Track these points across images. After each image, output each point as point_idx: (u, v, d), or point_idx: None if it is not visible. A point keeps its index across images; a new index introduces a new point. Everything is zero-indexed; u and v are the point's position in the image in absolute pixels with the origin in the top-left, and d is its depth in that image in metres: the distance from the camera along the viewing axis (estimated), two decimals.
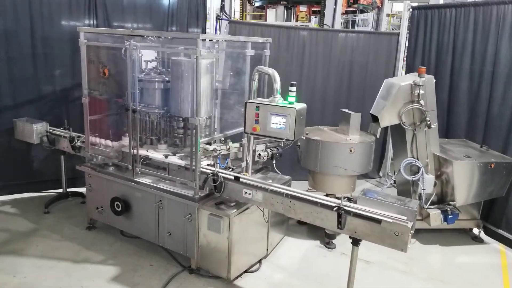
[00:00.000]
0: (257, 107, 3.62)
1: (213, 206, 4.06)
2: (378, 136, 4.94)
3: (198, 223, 4.11)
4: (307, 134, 4.90)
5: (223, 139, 4.71)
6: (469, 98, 5.57)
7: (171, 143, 4.79)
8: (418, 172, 4.93)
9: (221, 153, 4.54)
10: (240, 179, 3.94)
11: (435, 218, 4.99)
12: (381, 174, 7.48)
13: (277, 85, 3.68)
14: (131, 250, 4.57)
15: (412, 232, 3.21)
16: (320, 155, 4.73)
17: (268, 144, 4.95)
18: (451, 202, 4.96)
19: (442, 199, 5.13)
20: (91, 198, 4.88)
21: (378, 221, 3.28)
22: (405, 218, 3.26)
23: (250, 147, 4.37)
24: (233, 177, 3.98)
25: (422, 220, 5.15)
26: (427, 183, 4.90)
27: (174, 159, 4.39)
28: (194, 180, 4.06)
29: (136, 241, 4.69)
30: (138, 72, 4.41)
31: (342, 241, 5.06)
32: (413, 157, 5.00)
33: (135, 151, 4.43)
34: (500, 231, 5.26)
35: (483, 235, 5.39)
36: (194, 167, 4.05)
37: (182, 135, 4.55)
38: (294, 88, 3.57)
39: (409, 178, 4.93)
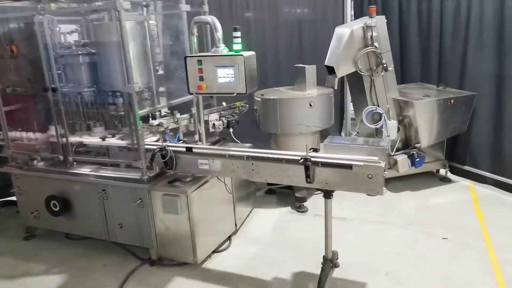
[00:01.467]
0: (199, 61, 3.14)
1: (166, 185, 3.57)
2: (336, 88, 4.61)
3: (151, 207, 3.60)
4: (262, 95, 4.48)
5: (169, 111, 4.19)
6: (420, 39, 5.38)
7: (109, 125, 4.21)
8: (380, 120, 4.69)
9: (169, 128, 4.02)
10: (193, 150, 3.46)
11: (403, 163, 4.79)
12: (342, 134, 7.25)
13: (219, 33, 3.21)
14: (80, 254, 3.98)
15: (386, 173, 2.90)
16: (280, 114, 4.34)
17: (222, 112, 4.48)
18: (416, 145, 4.77)
19: (407, 144, 4.94)
20: (23, 202, 4.19)
21: (349, 167, 2.94)
22: (376, 158, 2.94)
23: (200, 112, 3.88)
24: (184, 149, 3.49)
25: (390, 168, 4.94)
26: (391, 129, 4.66)
27: (113, 141, 3.82)
28: (139, 159, 3.53)
29: (85, 242, 4.10)
30: (56, 46, 3.76)
31: (314, 202, 4.75)
32: (373, 105, 4.74)
33: (65, 139, 3.80)
34: (466, 167, 5.20)
35: (450, 175, 5.31)
36: (136, 144, 3.51)
37: (119, 112, 3.97)
38: (238, 34, 3.12)
39: (372, 126, 4.67)
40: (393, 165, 4.85)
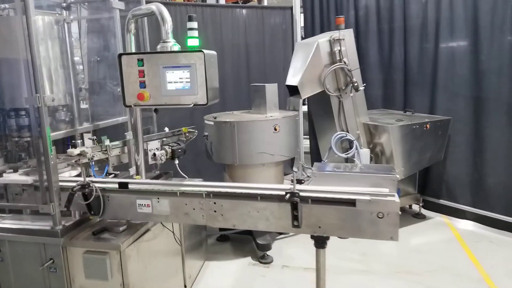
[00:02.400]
0: (140, 61, 2.27)
1: (90, 238, 2.53)
2: (300, 111, 3.94)
3: (67, 271, 2.51)
4: (215, 118, 3.65)
5: (94, 137, 3.18)
6: (381, 61, 4.98)
7: (11, 156, 3.08)
8: (351, 148, 4.08)
9: (95, 158, 3.01)
10: (129, 186, 2.50)
11: None
12: (295, 168, 6.57)
13: (168, 25, 2.37)
14: None
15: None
16: (238, 141, 3.52)
17: (164, 139, 3.56)
18: None
19: None
20: None
21: (351, 203, 2.19)
22: (387, 190, 2.22)
23: (139, 133, 2.94)
24: (116, 185, 2.51)
25: None
26: (364, 158, 4.06)
27: (13, 177, 2.72)
28: (50, 202, 2.47)
29: None
30: None
31: (278, 249, 3.90)
32: (342, 130, 4.13)
33: None
34: (442, 201, 4.71)
35: (423, 210, 4.78)
36: (47, 181, 2.47)
37: (25, 138, 2.89)
38: (194, 25, 2.34)
39: (343, 155, 4.03)
40: None
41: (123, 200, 2.51)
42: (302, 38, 5.92)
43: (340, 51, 3.85)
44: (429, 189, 4.77)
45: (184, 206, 2.42)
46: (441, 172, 4.62)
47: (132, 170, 3.22)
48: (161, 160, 3.46)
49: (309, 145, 5.60)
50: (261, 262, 3.78)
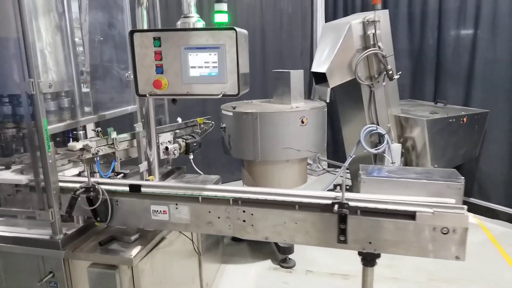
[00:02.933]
0: (157, 40, 1.86)
1: (97, 249, 2.16)
2: (328, 101, 3.55)
3: (69, 287, 2.15)
4: (234, 108, 3.25)
5: (99, 129, 2.79)
6: (411, 48, 4.56)
7: (5, 150, 2.71)
8: (381, 142, 3.70)
9: (100, 153, 2.64)
10: (142, 188, 2.12)
11: None
12: (309, 160, 6.21)
13: None
14: None
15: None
16: (260, 135, 3.13)
17: (177, 131, 3.18)
18: None
19: None
20: None
21: (409, 216, 1.83)
22: (453, 201, 1.86)
23: (152, 126, 2.56)
24: (127, 188, 2.14)
25: None
26: (396, 154, 3.67)
27: (6, 175, 2.34)
28: (48, 207, 2.09)
29: None
30: None
31: (301, 252, 3.55)
32: (372, 123, 3.73)
33: None
34: (473, 200, 4.35)
35: None
36: (44, 181, 2.09)
37: (15, 130, 2.51)
38: (223, 6, 1.93)
39: (373, 151, 3.64)
40: None
41: (134, 205, 2.15)
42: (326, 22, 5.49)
43: (375, 34, 3.43)
44: None
45: (207, 214, 2.05)
46: (473, 169, 4.24)
47: (143, 167, 2.84)
48: (174, 155, 3.08)
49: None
50: (282, 266, 3.44)
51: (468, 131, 3.84)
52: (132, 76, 2.74)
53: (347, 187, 4.14)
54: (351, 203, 1.84)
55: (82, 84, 2.81)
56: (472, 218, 4.36)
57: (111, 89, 2.76)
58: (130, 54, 1.91)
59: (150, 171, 2.67)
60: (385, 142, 3.63)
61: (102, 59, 2.69)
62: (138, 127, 2.84)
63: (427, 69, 4.46)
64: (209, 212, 2.05)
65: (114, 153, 2.78)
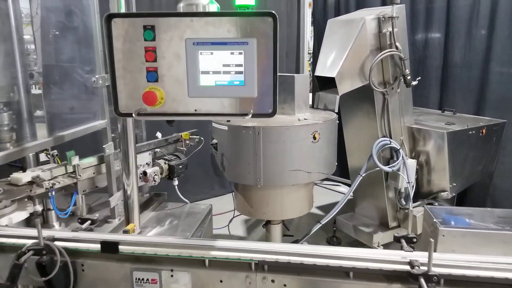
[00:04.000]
0: (149, 30, 1.20)
1: None
2: (336, 110, 3.00)
3: None
4: (229, 121, 2.61)
5: (54, 152, 2.08)
6: (413, 49, 4.11)
7: None
8: (392, 158, 3.23)
9: (57, 186, 1.95)
10: (121, 246, 1.47)
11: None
12: None
13: None
14: None
15: None
16: (264, 154, 2.51)
17: (158, 150, 2.51)
18: (441, 194, 3.35)
19: (417, 192, 3.51)
20: None
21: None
22: None
23: (130, 154, 1.88)
24: (98, 244, 1.48)
25: (400, 226, 3.51)
26: (411, 172, 3.20)
27: None
28: None
29: None
30: None
31: None
32: (384, 136, 3.23)
33: None
34: None
35: None
36: None
37: None
38: None
39: (386, 169, 3.14)
40: (404, 221, 3.44)
41: (109, 271, 1.48)
42: (313, 21, 4.97)
43: (392, 33, 2.91)
44: (469, 204, 4.00)
45: (218, 285, 1.42)
46: (486, 184, 3.85)
47: (114, 200, 2.17)
48: (154, 181, 2.43)
49: None
50: None
51: (487, 143, 3.44)
52: (100, 81, 2.06)
53: (351, 197, 3.63)
54: (439, 271, 1.28)
55: (33, 86, 2.09)
56: None
57: (72, 99, 2.05)
58: (107, 50, 1.24)
59: (128, 215, 1.98)
60: (400, 158, 3.13)
61: (59, 59, 1.97)
62: (109, 148, 2.15)
63: (432, 74, 4.03)
64: (221, 281, 1.42)
65: (75, 183, 2.10)
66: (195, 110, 1.27)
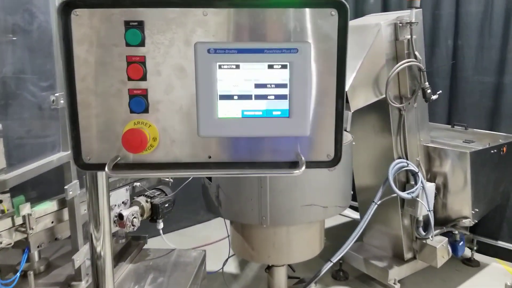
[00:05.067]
0: (135, 28, 0.71)
1: None
2: (348, 129, 2.57)
3: None
4: None
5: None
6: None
7: None
8: (408, 181, 2.84)
9: (2, 244, 1.41)
10: None
11: (443, 252, 2.98)
12: None
13: None
14: None
15: None
16: (270, 187, 2.04)
17: (137, 184, 2.01)
18: (463, 221, 2.97)
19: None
20: None
21: None
22: None
23: (103, 199, 1.35)
24: None
25: (415, 258, 3.11)
26: (431, 197, 2.81)
27: None
28: None
29: None
30: None
31: None
32: (400, 157, 2.83)
33: None
34: (501, 243, 3.60)
35: (476, 255, 3.65)
36: None
37: None
38: None
39: (405, 195, 2.73)
40: (420, 251, 3.04)
41: None
42: None
43: (410, 40, 2.53)
44: (484, 228, 3.65)
45: None
46: (503, 206, 3.51)
47: (80, 257, 1.65)
48: (133, 226, 1.93)
49: None
50: None
51: (508, 162, 3.10)
52: (61, 101, 1.54)
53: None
54: None
55: None
56: (499, 264, 3.63)
57: (22, 126, 1.52)
58: (62, 61, 0.75)
59: (98, 280, 1.46)
60: (419, 183, 2.73)
61: (1, 71, 1.44)
62: (72, 189, 1.64)
63: (439, 84, 3.68)
64: None
65: (27, 238, 1.58)
66: (209, 158, 0.79)
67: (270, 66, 0.74)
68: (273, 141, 0.79)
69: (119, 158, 0.78)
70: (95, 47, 0.75)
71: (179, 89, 0.76)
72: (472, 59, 3.51)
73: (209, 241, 3.31)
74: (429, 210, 2.77)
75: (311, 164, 0.77)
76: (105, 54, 0.75)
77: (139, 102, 0.76)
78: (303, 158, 0.76)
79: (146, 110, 0.76)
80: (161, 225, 2.06)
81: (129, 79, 0.75)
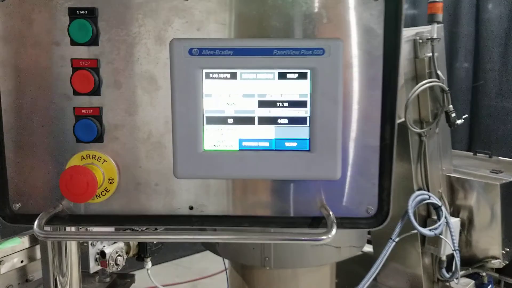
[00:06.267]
0: (84, 18, 0.46)
1: None
2: None
3: None
4: None
5: None
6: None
7: None
8: (430, 215, 2.54)
9: None
10: None
11: None
12: None
13: None
14: None
15: None
16: None
17: None
18: (492, 261, 2.66)
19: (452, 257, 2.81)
20: None
21: None
22: None
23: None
24: None
25: None
26: (455, 234, 2.51)
27: None
28: None
29: None
30: None
31: None
32: (420, 189, 2.55)
33: None
34: None
35: None
36: None
37: None
38: None
39: (427, 232, 2.43)
40: None
41: None
42: None
43: (432, 58, 2.29)
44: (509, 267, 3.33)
45: None
46: None
47: None
48: (117, 265, 1.66)
49: None
50: None
51: None
52: None
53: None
54: None
55: None
56: None
57: None
58: None
59: None
60: (443, 218, 2.44)
61: None
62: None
63: (458, 106, 3.44)
64: None
65: None
66: (191, 209, 0.54)
67: (282, 75, 0.49)
68: (285, 186, 0.53)
69: (59, 208, 0.53)
70: (27, 47, 0.51)
71: (148, 108, 0.52)
72: (495, 82, 3.29)
73: (207, 273, 3.01)
74: (455, 250, 2.47)
75: (343, 223, 0.52)
76: (41, 57, 0.51)
77: (88, 127, 0.51)
78: (331, 213, 0.50)
79: (99, 138, 0.52)
80: (149, 264, 1.79)
81: (75, 92, 0.51)
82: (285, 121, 0.51)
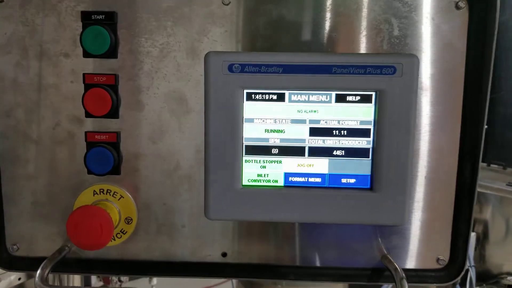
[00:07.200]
0: (100, 25, 0.37)
1: None
2: None
3: None
4: None
5: None
6: None
7: None
8: None
9: None
10: None
11: None
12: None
13: None
14: None
15: None
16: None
17: None
18: (508, 278, 2.55)
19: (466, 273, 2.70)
20: None
21: None
22: None
23: None
24: None
25: None
26: (471, 249, 2.40)
27: None
28: None
29: None
30: None
31: None
32: None
33: None
34: None
35: None
36: None
37: None
38: None
39: None
40: None
41: None
42: None
43: None
44: None
45: None
46: None
47: None
48: (120, 282, 1.57)
49: None
50: None
51: None
52: None
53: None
54: None
55: None
56: None
57: None
58: None
59: None
60: None
61: None
62: None
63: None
64: None
65: None
66: (224, 256, 0.45)
67: (341, 98, 0.40)
68: (340, 231, 0.44)
69: (65, 252, 0.44)
70: (29, 58, 0.42)
71: (175, 135, 0.43)
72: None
73: (210, 283, 2.92)
74: (470, 266, 2.38)
75: (408, 276, 0.43)
76: (46, 71, 0.42)
77: (103, 156, 0.42)
78: (398, 267, 0.41)
79: (115, 170, 0.43)
80: (154, 281, 1.70)
81: (88, 115, 0.42)
82: (342, 152, 0.42)
